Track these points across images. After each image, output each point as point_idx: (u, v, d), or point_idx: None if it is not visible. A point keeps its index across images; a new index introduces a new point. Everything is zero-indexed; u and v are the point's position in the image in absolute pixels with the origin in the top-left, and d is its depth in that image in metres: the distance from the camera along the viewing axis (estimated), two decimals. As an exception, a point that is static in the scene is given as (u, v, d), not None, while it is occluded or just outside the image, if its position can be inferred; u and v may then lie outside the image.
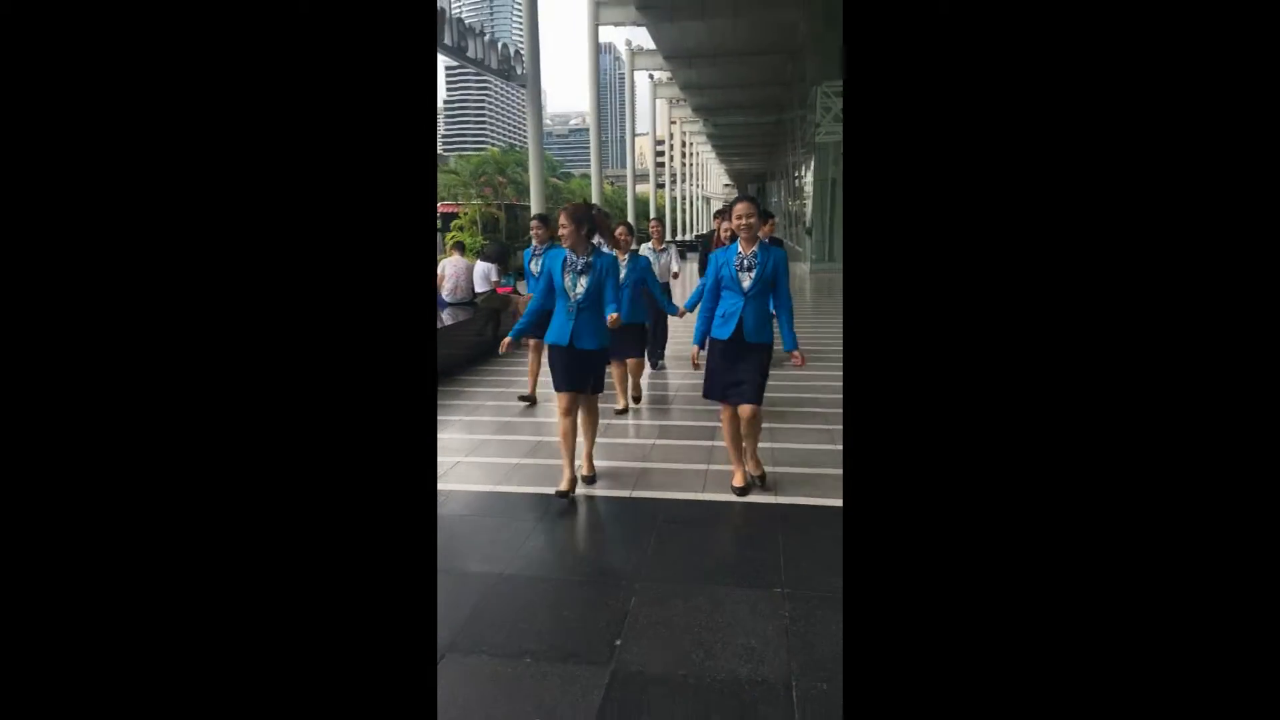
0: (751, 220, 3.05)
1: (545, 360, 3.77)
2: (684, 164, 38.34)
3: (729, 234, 4.24)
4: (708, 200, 51.03)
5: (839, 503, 2.80)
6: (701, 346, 3.26)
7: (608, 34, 18.91)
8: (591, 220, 3.24)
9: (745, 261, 3.08)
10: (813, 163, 19.59)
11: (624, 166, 40.47)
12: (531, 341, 4.69)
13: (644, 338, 4.96)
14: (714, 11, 15.28)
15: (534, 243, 4.94)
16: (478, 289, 6.28)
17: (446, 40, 10.36)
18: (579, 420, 3.30)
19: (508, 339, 3.19)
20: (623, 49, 23.10)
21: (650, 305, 4.84)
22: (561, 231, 3.15)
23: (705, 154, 45.91)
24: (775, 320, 3.24)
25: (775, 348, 3.27)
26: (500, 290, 6.30)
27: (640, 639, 2.00)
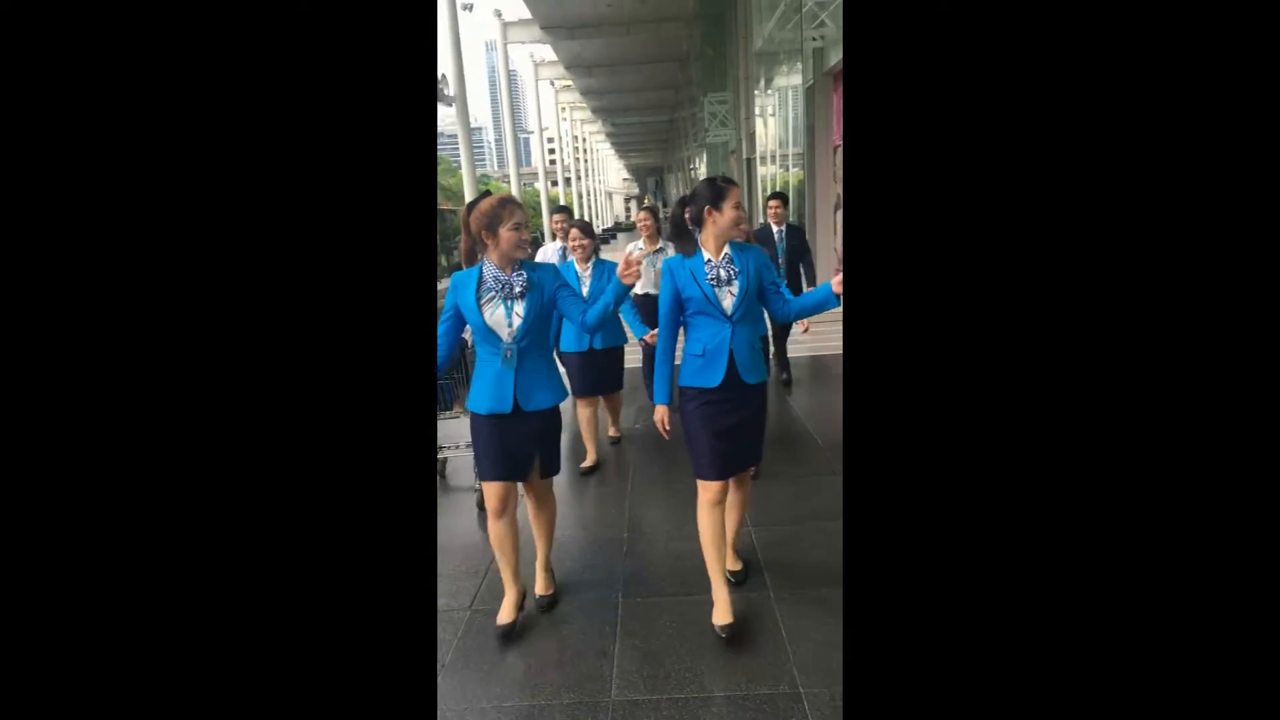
0: (741, 213, 2.07)
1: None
2: (584, 162, 40.43)
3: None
4: (610, 195, 53.24)
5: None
6: (671, 404, 2.18)
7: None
8: (525, 224, 2.09)
9: (721, 272, 2.07)
10: (705, 157, 22.20)
11: (526, 166, 41.88)
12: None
13: (622, 364, 3.76)
14: (609, 31, 17.46)
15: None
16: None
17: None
18: (531, 513, 2.35)
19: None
20: (527, 61, 24.88)
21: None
22: (517, 231, 2.03)
23: (605, 151, 48.13)
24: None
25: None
26: None
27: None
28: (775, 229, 4.76)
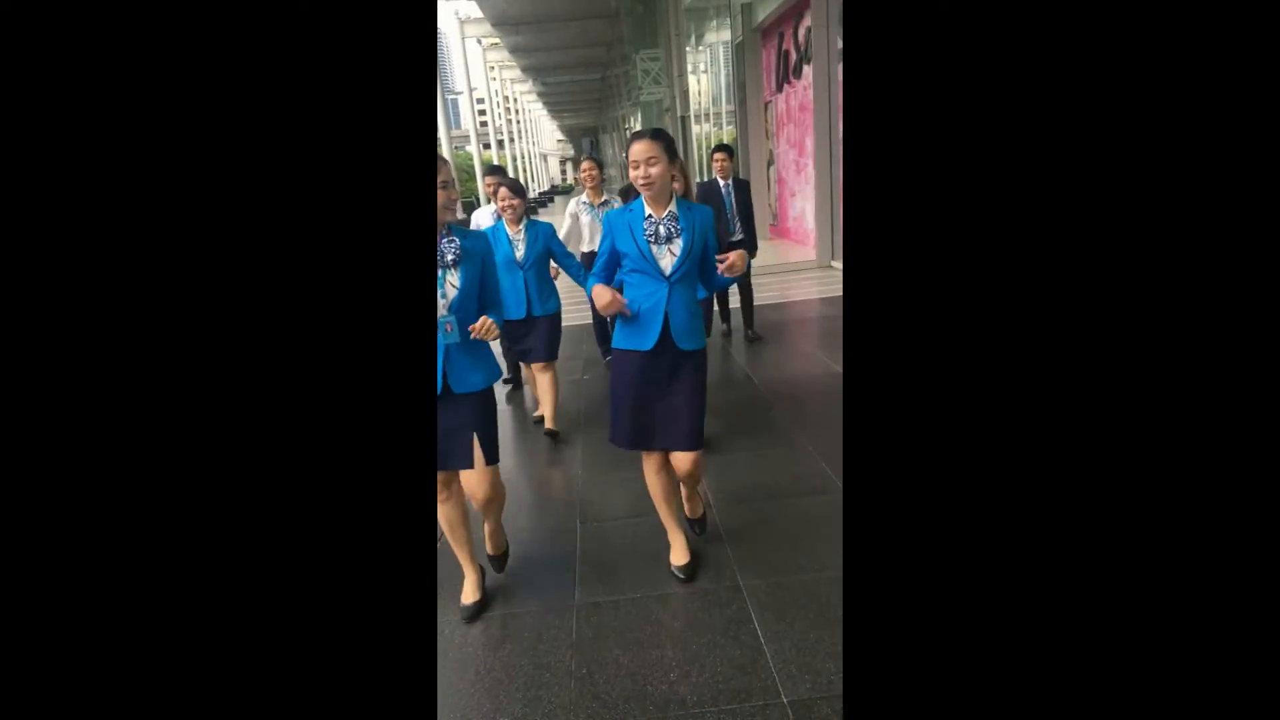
0: (654, 170, 1.96)
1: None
2: (516, 123, 39.47)
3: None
4: (545, 157, 52.32)
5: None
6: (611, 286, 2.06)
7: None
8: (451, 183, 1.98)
9: (662, 229, 2.00)
10: (639, 115, 22.10)
11: (456, 129, 40.73)
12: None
13: (558, 331, 3.64)
14: (536, -16, 17.09)
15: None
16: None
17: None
18: (480, 505, 2.17)
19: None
20: (452, 18, 24.04)
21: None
22: (445, 190, 1.90)
23: (538, 112, 47.08)
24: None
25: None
26: None
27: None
28: (722, 183, 4.63)
